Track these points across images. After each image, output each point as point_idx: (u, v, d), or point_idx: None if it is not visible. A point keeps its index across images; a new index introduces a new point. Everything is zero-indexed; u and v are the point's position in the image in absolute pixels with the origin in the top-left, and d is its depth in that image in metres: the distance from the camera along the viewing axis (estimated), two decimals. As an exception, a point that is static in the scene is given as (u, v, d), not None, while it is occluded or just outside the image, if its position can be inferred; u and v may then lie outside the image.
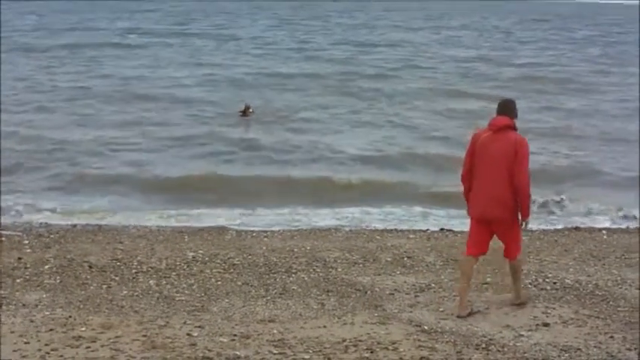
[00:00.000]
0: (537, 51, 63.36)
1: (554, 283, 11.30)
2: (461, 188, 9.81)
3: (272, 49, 57.51)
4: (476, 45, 67.69)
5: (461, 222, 14.92)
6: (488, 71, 46.03)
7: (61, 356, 8.21)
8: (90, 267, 11.68)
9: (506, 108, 9.44)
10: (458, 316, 9.64)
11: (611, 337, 9.16)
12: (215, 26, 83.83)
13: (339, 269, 11.91)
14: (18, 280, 10.96)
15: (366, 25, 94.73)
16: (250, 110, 28.49)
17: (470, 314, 9.68)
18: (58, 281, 10.96)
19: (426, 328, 9.27)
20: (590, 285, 11.25)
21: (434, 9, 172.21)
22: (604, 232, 15.41)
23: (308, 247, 13.18)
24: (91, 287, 10.74)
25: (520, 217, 9.41)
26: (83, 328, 9.02)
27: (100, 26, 77.20)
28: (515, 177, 9.11)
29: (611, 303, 10.47)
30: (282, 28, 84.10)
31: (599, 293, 10.88)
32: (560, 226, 16.21)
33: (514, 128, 9.34)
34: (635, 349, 8.83)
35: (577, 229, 15.85)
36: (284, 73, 41.90)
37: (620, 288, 11.18)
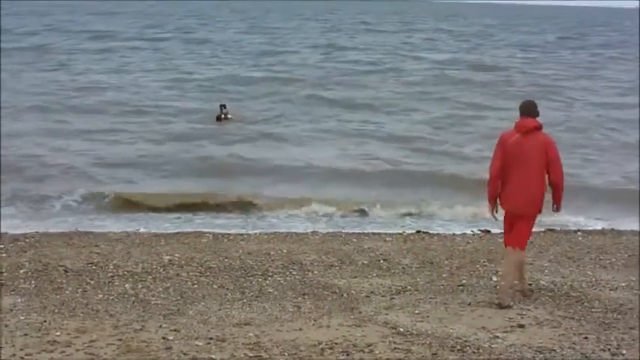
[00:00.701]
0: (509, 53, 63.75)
1: (530, 284, 11.33)
2: (488, 187, 10.22)
3: (241, 53, 57.09)
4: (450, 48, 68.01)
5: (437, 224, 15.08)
6: (459, 76, 46.12)
7: (36, 361, 8.18)
8: (65, 271, 11.62)
9: (530, 109, 10.03)
10: (503, 305, 10.13)
11: (586, 337, 9.22)
12: (183, 29, 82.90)
13: (316, 272, 11.92)
14: (-8, 285, 10.91)
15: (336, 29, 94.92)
16: (229, 116, 28.27)
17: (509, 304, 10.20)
18: (33, 286, 10.89)
19: (401, 330, 9.30)
20: (565, 286, 11.31)
21: (408, 12, 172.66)
22: (579, 233, 15.51)
23: (284, 250, 13.18)
24: (67, 291, 10.69)
25: (555, 208, 10.23)
26: (58, 333, 8.98)
27: (71, 28, 76.56)
28: (553, 175, 9.89)
29: (585, 304, 10.54)
30: (255, 32, 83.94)
31: (574, 294, 10.94)
32: (535, 228, 16.26)
33: (540, 128, 9.95)
34: (609, 349, 8.90)
35: (552, 230, 15.94)
36: (254, 78, 41.55)
37: (595, 289, 11.25)
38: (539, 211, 10.16)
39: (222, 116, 28.32)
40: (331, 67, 49.11)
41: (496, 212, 10.27)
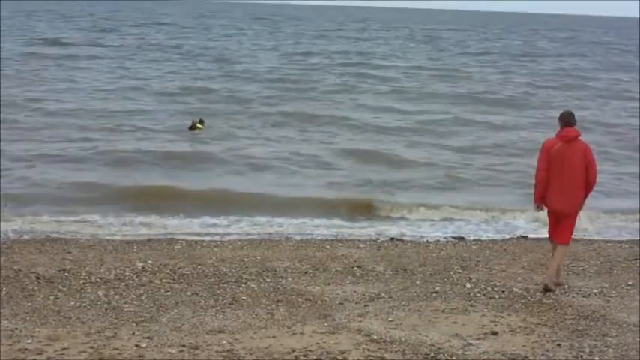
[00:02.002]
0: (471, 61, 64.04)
1: (503, 291, 11.40)
2: (535, 189, 11.42)
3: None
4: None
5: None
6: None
7: (7, 369, 8.12)
8: (37, 278, 11.53)
9: (570, 120, 11.26)
10: (548, 289, 11.36)
11: (559, 344, 9.27)
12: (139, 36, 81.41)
13: (289, 279, 11.90)
14: (-37, 292, 10.80)
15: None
16: (200, 126, 27.25)
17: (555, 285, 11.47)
18: (4, 292, 10.78)
19: (375, 337, 9.30)
20: (537, 293, 11.36)
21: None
22: (552, 240, 15.57)
23: (258, 257, 13.15)
24: (38, 298, 10.61)
25: (580, 207, 11.50)
26: (29, 340, 8.91)
27: (24, 33, 75.57)
28: (590, 177, 11.21)
29: (558, 311, 10.59)
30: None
31: (547, 301, 11.00)
32: (507, 235, 16.38)
33: (579, 137, 11.26)
34: (582, 356, 8.94)
35: (525, 237, 16.02)
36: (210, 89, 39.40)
37: (567, 296, 11.31)
38: (580, 210, 11.52)
39: (195, 126, 27.26)
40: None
41: (541, 210, 11.58)
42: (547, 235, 15.65)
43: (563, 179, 11.15)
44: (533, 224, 17.08)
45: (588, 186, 11.30)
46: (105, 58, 52.73)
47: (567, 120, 11.25)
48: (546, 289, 11.36)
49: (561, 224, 11.46)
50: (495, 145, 27.20)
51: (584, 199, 11.38)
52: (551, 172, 11.18)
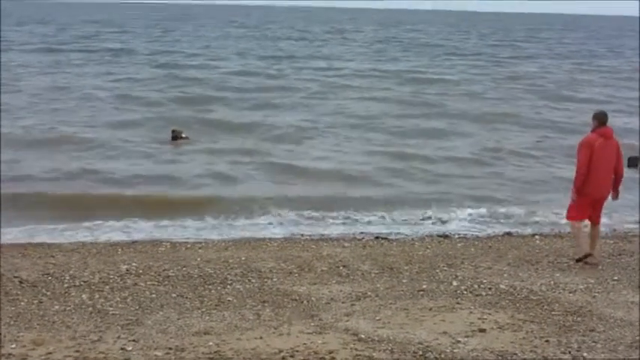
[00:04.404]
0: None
1: (489, 288, 11.38)
2: (577, 180, 12.73)
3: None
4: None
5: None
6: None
7: (-9, 374, 8.03)
8: (20, 282, 11.42)
9: (606, 119, 12.77)
10: (579, 259, 13.02)
11: (547, 341, 9.25)
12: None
13: (275, 279, 11.84)
14: (-55, 298, 10.69)
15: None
16: (183, 136, 26.13)
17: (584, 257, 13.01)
18: (-13, 298, 10.70)
19: (362, 336, 9.25)
20: (524, 290, 11.35)
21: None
22: (536, 237, 15.57)
23: (243, 258, 13.09)
24: (22, 303, 10.50)
25: (616, 196, 13.16)
26: (13, 345, 8.81)
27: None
28: (620, 167, 12.94)
29: (545, 307, 10.58)
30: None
31: (534, 298, 10.99)
32: (492, 232, 16.37)
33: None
34: (570, 352, 8.92)
35: (509, 234, 16.02)
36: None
37: (554, 292, 11.30)
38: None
39: (178, 136, 26.10)
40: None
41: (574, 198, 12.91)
42: (532, 233, 15.97)
43: (603, 170, 12.69)
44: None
45: (620, 175, 12.97)
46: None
47: (603, 119, 12.72)
48: (587, 258, 12.99)
49: (598, 209, 13.08)
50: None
51: (618, 187, 13.03)
52: (593, 165, 12.59)
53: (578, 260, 13.07)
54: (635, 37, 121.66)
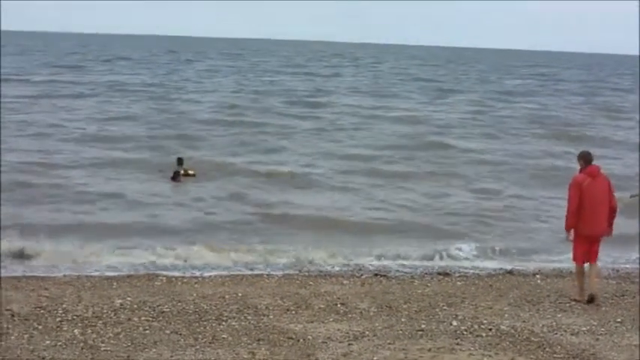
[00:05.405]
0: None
1: (490, 329, 11.18)
2: (568, 220, 12.92)
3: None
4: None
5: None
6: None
7: (-24, 412, 7.82)
8: (12, 315, 11.24)
9: (591, 157, 13.00)
10: (576, 300, 13.00)
11: (548, 385, 9.05)
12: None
13: (271, 316, 11.65)
14: None
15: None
16: (190, 172, 23.97)
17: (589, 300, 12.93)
18: (-23, 331, 10.51)
19: (360, 378, 9.05)
20: (525, 331, 11.16)
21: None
22: (537, 276, 15.35)
23: (239, 294, 12.89)
24: (12, 337, 10.30)
25: (609, 233, 13.21)
26: (0, 382, 8.63)
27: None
28: (614, 204, 13.02)
29: (547, 349, 10.39)
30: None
31: (535, 339, 10.79)
32: (492, 271, 16.11)
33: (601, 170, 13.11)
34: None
35: (511, 273, 15.80)
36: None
37: (556, 334, 11.11)
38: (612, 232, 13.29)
39: (182, 172, 23.79)
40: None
41: (571, 238, 13.02)
42: (533, 272, 15.77)
43: (595, 208, 12.79)
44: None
45: (613, 211, 13.05)
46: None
47: (588, 158, 12.96)
48: (592, 299, 12.93)
49: (594, 247, 13.10)
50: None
51: (612, 222, 13.08)
52: (583, 204, 12.73)
53: (575, 300, 13.06)
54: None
